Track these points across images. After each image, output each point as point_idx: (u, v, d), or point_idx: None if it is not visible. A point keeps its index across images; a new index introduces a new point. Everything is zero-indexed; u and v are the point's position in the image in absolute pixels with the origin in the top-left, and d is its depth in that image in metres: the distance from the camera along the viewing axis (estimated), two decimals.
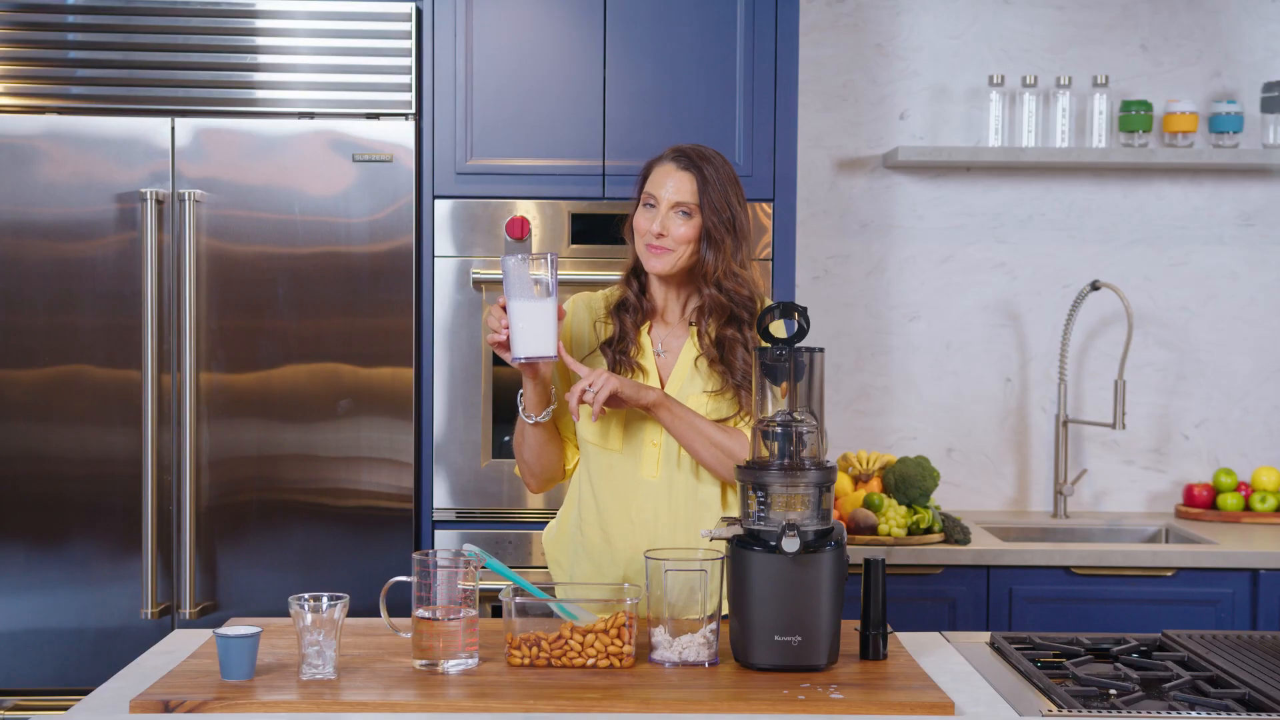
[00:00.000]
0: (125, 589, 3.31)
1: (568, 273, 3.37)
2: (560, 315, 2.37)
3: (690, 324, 2.56)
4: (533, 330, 2.33)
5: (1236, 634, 2.45)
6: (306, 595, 2.08)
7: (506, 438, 3.37)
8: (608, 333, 2.57)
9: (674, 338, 2.56)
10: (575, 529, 2.59)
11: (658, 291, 2.57)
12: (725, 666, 2.17)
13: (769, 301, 2.54)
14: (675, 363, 2.55)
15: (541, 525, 3.29)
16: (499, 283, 3.37)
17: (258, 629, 2.09)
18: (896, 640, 2.36)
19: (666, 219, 2.47)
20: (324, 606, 2.07)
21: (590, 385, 2.38)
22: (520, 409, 2.51)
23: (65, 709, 2.97)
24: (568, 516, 2.64)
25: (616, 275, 2.65)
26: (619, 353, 2.54)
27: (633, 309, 2.57)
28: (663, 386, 2.52)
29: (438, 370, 3.39)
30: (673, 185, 2.48)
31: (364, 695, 2.01)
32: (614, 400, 2.41)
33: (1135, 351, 4.03)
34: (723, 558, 2.20)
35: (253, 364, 3.33)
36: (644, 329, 2.57)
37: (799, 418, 2.19)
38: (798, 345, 2.22)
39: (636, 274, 2.58)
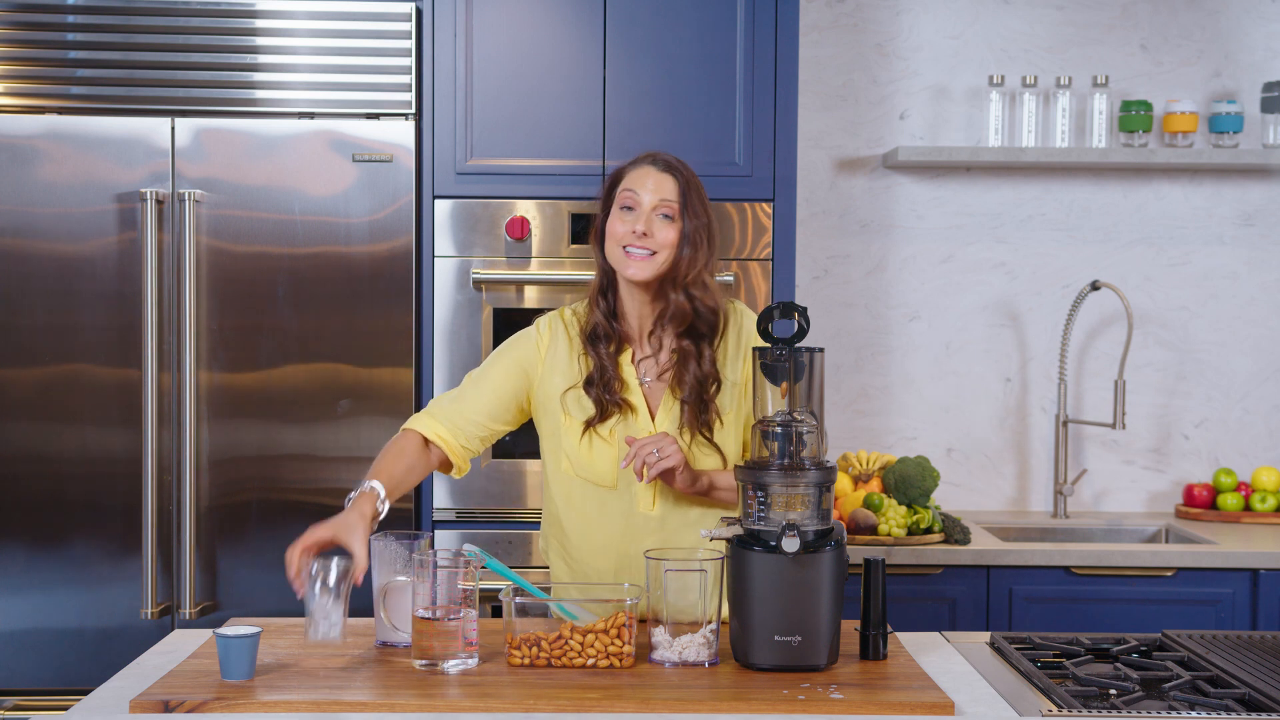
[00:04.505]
0: (125, 589, 3.31)
1: (568, 273, 3.37)
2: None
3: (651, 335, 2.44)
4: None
5: (1236, 634, 2.45)
6: (318, 557, 2.16)
7: (506, 438, 3.36)
8: (587, 366, 2.44)
9: (656, 363, 2.46)
10: (573, 572, 2.53)
11: (631, 309, 2.44)
12: (725, 666, 2.17)
13: (744, 313, 2.48)
14: (664, 392, 2.45)
15: (540, 525, 3.28)
16: (499, 282, 3.37)
17: (258, 629, 2.09)
18: (896, 640, 2.36)
19: (650, 220, 2.37)
20: (333, 567, 2.13)
21: (658, 450, 2.29)
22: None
23: (65, 709, 2.97)
24: (561, 561, 2.56)
25: None
26: (604, 391, 2.40)
27: (605, 336, 2.43)
28: (652, 418, 2.44)
29: (438, 370, 3.38)
30: (654, 185, 2.37)
31: (364, 695, 2.01)
32: (668, 476, 2.33)
33: (1135, 351, 4.03)
34: (723, 558, 2.20)
35: (253, 364, 3.33)
36: (624, 359, 2.45)
37: (799, 418, 2.19)
38: (798, 345, 2.22)
39: (604, 293, 2.45)
